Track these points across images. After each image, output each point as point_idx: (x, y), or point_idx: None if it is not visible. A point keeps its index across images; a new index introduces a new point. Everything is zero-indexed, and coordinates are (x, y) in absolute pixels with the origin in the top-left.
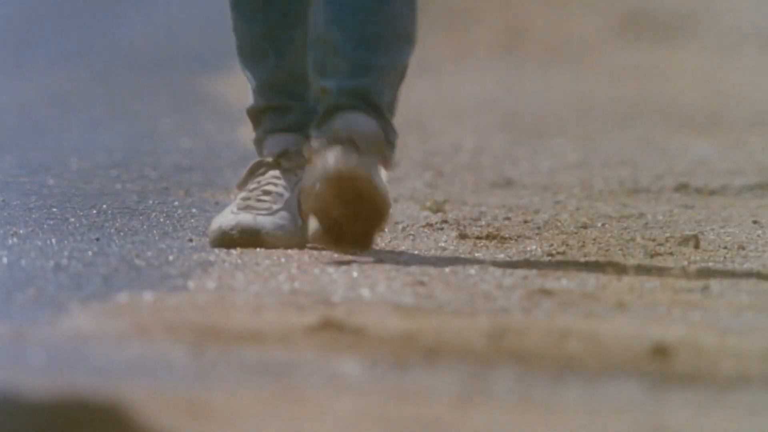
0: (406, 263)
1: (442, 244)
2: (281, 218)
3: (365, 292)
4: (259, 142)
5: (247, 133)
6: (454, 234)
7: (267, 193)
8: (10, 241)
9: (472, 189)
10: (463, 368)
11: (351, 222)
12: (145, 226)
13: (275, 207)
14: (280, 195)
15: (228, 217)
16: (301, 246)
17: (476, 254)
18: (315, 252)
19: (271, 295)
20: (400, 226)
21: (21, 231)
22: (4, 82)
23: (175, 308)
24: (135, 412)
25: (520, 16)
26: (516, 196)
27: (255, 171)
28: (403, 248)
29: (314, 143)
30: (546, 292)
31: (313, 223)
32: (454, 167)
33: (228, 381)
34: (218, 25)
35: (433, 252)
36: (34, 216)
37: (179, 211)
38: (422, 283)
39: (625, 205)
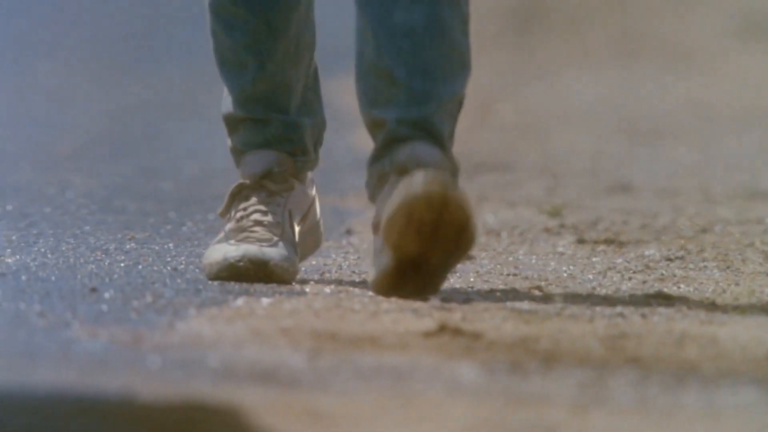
0: (524, 268)
1: (560, 249)
2: (284, 248)
3: (482, 297)
4: (237, 153)
5: (362, 137)
6: (571, 238)
7: (259, 223)
8: (127, 246)
9: (589, 193)
10: (581, 373)
11: (434, 253)
12: None
13: (275, 238)
14: (276, 224)
15: (230, 248)
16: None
17: (594, 259)
18: None
19: (388, 300)
20: (517, 231)
21: (138, 236)
22: (119, 87)
23: (291, 313)
24: (252, 416)
25: (638, 19)
26: (634, 200)
27: (237, 195)
28: (520, 253)
29: (372, 177)
30: (664, 297)
31: (372, 270)
32: (571, 171)
33: (345, 385)
34: (329, 27)
35: (550, 256)
36: (150, 221)
37: None
38: (540, 288)
39: (745, 210)
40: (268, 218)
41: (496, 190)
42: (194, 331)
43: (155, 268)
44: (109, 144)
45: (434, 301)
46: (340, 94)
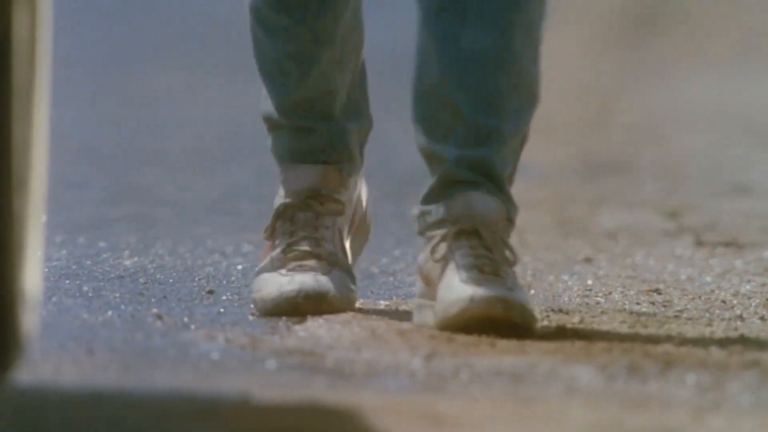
0: (642, 270)
1: (678, 251)
2: (338, 277)
3: (600, 300)
4: (278, 157)
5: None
6: (690, 241)
7: (308, 254)
8: (244, 248)
9: (708, 195)
10: (699, 376)
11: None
12: (379, 233)
13: (328, 266)
14: (328, 253)
15: (283, 281)
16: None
17: (712, 261)
18: (548, 257)
19: None
20: (635, 233)
21: (255, 238)
22: (237, 88)
23: (408, 315)
24: (369, 418)
25: (756, 21)
26: (753, 202)
27: (283, 216)
28: (638, 255)
29: (424, 218)
30: None
31: (420, 311)
32: (690, 173)
33: (462, 387)
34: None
35: (668, 259)
36: (267, 223)
37: None
38: (658, 291)
39: None
40: (319, 248)
41: (614, 192)
42: (311, 333)
43: None
44: (227, 146)
45: (552, 304)
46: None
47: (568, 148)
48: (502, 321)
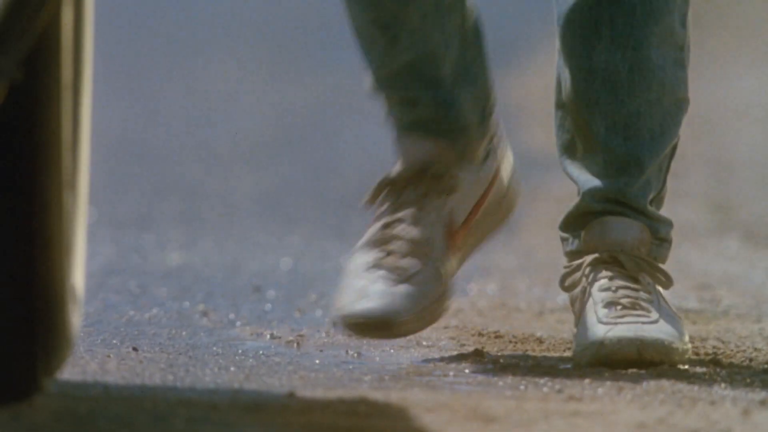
0: (689, 266)
1: (727, 247)
2: (419, 285)
3: None
4: (391, 125)
5: (535, 135)
6: (738, 236)
7: (401, 239)
8: (292, 244)
9: (758, 190)
10: (749, 373)
11: None
12: None
13: (411, 269)
14: (423, 242)
15: (358, 285)
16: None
17: (761, 256)
18: None
19: (551, 299)
20: (682, 228)
21: (302, 233)
22: (290, 85)
23: (455, 312)
24: (416, 416)
25: None
26: None
27: (386, 187)
28: (686, 250)
29: (565, 249)
30: None
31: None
32: (738, 168)
33: (511, 387)
34: (510, 18)
35: (717, 255)
36: (314, 219)
37: None
38: (706, 287)
39: None
40: (415, 232)
41: None
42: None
43: (319, 266)
44: (276, 141)
45: None
46: (512, 89)
47: None
48: (636, 362)
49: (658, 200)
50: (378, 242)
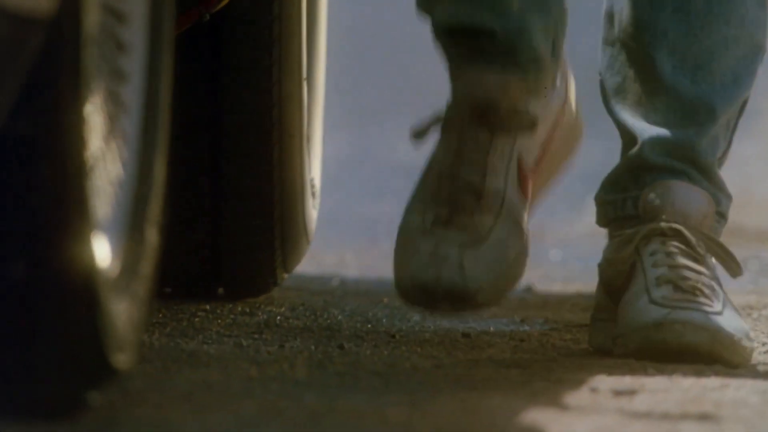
0: None
1: None
2: (496, 244)
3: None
4: (446, 59)
5: None
6: None
7: (472, 191)
8: None
9: None
10: None
11: None
12: None
13: (481, 230)
14: (494, 193)
15: (426, 247)
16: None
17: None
18: None
19: None
20: None
21: None
22: None
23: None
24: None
25: None
26: None
27: (448, 127)
28: None
29: (608, 209)
30: None
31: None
32: None
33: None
34: None
35: None
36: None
37: None
38: None
39: None
40: (486, 181)
41: None
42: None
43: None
44: None
45: None
46: None
47: None
48: (706, 356)
49: (722, 161)
50: (441, 195)
